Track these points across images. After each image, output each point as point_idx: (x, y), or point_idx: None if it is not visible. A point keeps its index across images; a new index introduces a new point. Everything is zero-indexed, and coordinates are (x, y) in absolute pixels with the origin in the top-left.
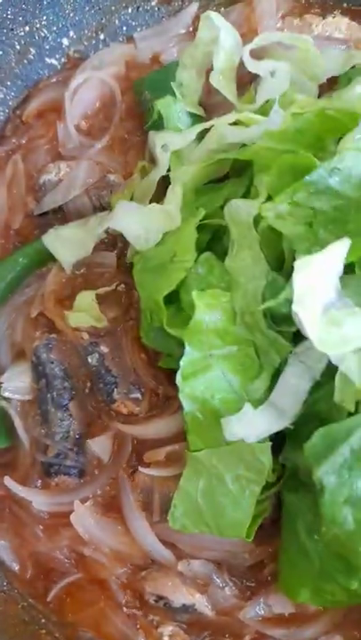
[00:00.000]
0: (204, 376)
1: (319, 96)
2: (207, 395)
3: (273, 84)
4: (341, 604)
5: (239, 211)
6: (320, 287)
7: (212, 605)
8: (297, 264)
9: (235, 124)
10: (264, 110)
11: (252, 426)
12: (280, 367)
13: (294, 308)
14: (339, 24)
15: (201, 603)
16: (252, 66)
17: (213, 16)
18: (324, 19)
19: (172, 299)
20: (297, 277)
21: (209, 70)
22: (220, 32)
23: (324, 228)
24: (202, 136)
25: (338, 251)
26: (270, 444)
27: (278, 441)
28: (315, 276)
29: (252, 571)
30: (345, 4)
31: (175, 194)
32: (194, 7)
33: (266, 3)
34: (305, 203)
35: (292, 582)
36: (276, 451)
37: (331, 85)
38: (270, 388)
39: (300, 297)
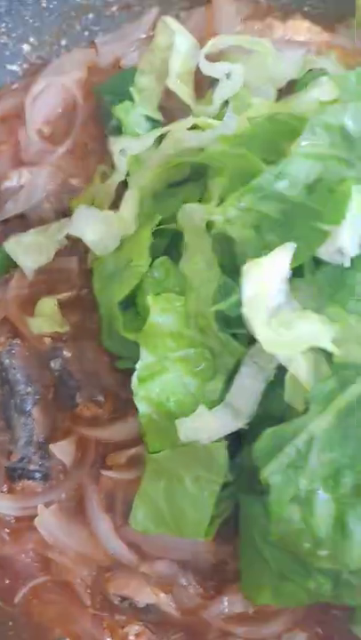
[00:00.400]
0: (160, 379)
1: (279, 99)
2: (162, 397)
3: (228, 86)
4: (302, 603)
5: (192, 215)
6: (268, 290)
7: (177, 605)
8: (245, 268)
9: (193, 128)
10: (222, 115)
11: (206, 427)
12: (235, 369)
13: (243, 310)
14: (299, 28)
15: (165, 602)
16: (207, 68)
17: (169, 21)
18: (284, 22)
19: (131, 303)
20: (245, 280)
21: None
22: (176, 36)
23: (272, 232)
24: (160, 140)
25: (283, 255)
26: (226, 443)
27: (238, 441)
28: (263, 280)
29: (216, 570)
30: (306, 8)
31: (130, 199)
32: (154, 12)
33: (226, 6)
34: (253, 207)
35: (253, 585)
36: (235, 451)
37: (290, 89)
38: (225, 390)
39: (248, 299)
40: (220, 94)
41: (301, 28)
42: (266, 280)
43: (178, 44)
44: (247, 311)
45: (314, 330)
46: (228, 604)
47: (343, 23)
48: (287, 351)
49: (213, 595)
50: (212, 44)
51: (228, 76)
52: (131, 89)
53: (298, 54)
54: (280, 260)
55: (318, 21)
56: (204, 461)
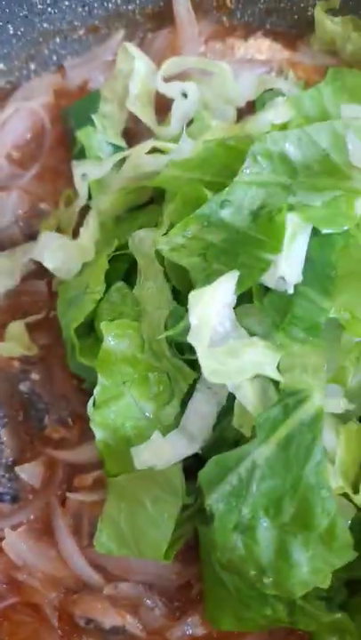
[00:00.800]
0: (116, 404)
1: (240, 119)
2: (118, 422)
3: (184, 105)
4: (263, 628)
5: (142, 241)
6: (213, 318)
7: (143, 626)
8: (190, 296)
9: (153, 151)
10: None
11: (161, 452)
12: (188, 393)
13: (189, 339)
14: (260, 46)
15: (132, 624)
16: (163, 88)
17: (128, 46)
18: (246, 41)
19: (91, 328)
20: (190, 309)
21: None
22: (135, 61)
23: (217, 260)
24: (121, 165)
25: (227, 283)
26: (181, 465)
27: (197, 465)
28: (207, 308)
29: (181, 591)
30: (268, 26)
31: (89, 225)
32: (120, 34)
33: (188, 28)
34: (198, 235)
35: (216, 610)
36: (192, 472)
37: (251, 108)
38: (181, 414)
39: (195, 328)
40: (176, 114)
41: (263, 47)
42: (210, 308)
43: (137, 68)
44: (192, 339)
45: (259, 358)
46: (193, 625)
47: (304, 40)
48: (231, 380)
49: (179, 616)
50: (168, 66)
51: (184, 95)
52: (93, 116)
53: (254, 75)
54: (224, 289)
55: (279, 39)
56: (162, 484)
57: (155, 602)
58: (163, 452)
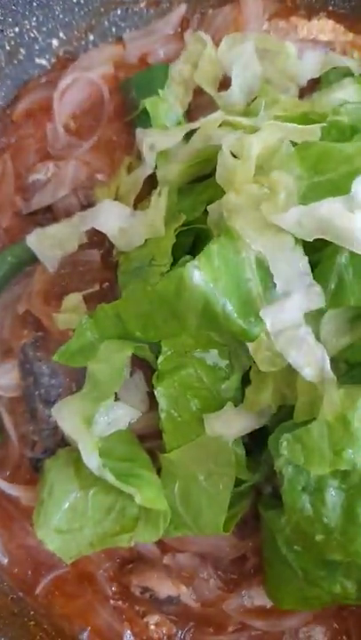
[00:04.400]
0: (179, 374)
1: (301, 97)
2: (181, 392)
3: (246, 75)
4: (325, 606)
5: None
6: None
7: (197, 597)
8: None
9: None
10: (248, 111)
11: (232, 424)
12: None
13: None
14: (323, 27)
15: (186, 594)
16: (224, 55)
17: (200, 34)
18: (309, 21)
19: None
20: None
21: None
22: (206, 47)
23: None
24: (188, 135)
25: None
26: (240, 439)
27: (256, 440)
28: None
29: (235, 564)
30: (330, 7)
31: (161, 202)
32: (182, 8)
33: (253, 5)
34: None
35: (278, 591)
36: (253, 450)
37: (312, 87)
38: (239, 389)
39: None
40: (237, 81)
41: (326, 28)
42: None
43: (208, 53)
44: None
45: None
46: (248, 597)
47: None
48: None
49: (233, 588)
50: (230, 40)
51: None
52: (160, 91)
53: (320, 53)
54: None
55: (342, 21)
56: (216, 457)
57: (209, 574)
58: (233, 422)
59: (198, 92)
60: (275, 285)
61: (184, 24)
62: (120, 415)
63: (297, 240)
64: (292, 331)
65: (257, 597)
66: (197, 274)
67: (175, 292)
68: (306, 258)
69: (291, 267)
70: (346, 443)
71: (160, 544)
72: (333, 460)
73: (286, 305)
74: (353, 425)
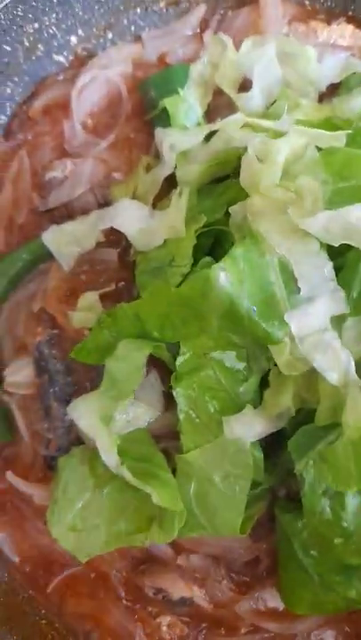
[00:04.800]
0: (198, 375)
1: (320, 101)
2: (200, 394)
3: (267, 77)
4: (340, 611)
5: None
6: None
7: (210, 598)
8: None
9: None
10: (268, 114)
11: (251, 426)
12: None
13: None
14: (343, 31)
15: (199, 596)
16: (243, 58)
17: (221, 36)
18: (329, 25)
19: None
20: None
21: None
22: (226, 50)
23: None
24: (208, 136)
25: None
26: (258, 442)
27: (273, 443)
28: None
29: (249, 566)
30: (350, 12)
31: (181, 202)
32: (201, 9)
33: (272, 8)
34: None
35: (293, 596)
36: (271, 452)
37: (332, 91)
38: (258, 392)
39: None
40: (258, 83)
41: (346, 32)
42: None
43: (228, 56)
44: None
45: None
46: (260, 599)
47: None
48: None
49: (246, 590)
50: (250, 43)
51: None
52: (180, 90)
53: (341, 58)
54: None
55: None
56: (233, 459)
57: (222, 575)
58: (253, 425)
59: (217, 93)
60: (298, 289)
61: (203, 25)
62: (139, 414)
63: (322, 245)
64: (317, 335)
65: (270, 600)
66: (223, 276)
67: (201, 293)
68: (331, 263)
69: (316, 271)
70: None
71: (173, 545)
72: (360, 479)
73: (311, 309)
74: None
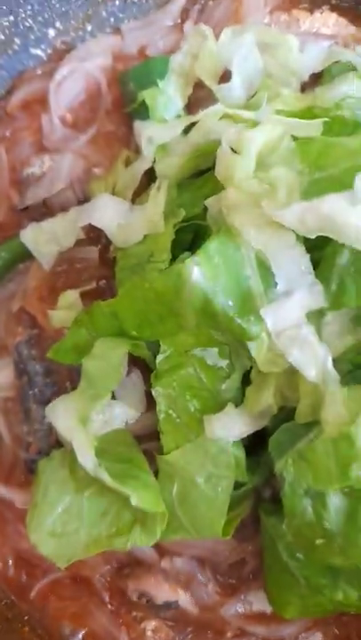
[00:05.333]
0: (178, 373)
1: (302, 91)
2: (179, 392)
3: (247, 67)
4: (327, 614)
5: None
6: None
7: (196, 602)
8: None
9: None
10: (249, 105)
11: (233, 426)
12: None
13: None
14: (326, 20)
15: (184, 599)
16: (224, 48)
17: (203, 27)
18: (311, 14)
19: None
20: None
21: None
22: (207, 41)
23: None
24: (187, 128)
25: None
26: (240, 441)
27: (256, 442)
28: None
29: (234, 568)
30: (333, 1)
31: (160, 196)
32: (182, 0)
33: None
34: None
35: (280, 600)
36: (253, 452)
37: (314, 81)
38: (240, 389)
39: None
40: (237, 74)
41: (329, 21)
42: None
43: (208, 47)
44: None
45: None
46: (246, 602)
47: None
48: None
49: (231, 592)
50: (229, 33)
51: (244, 58)
52: (159, 82)
53: (323, 47)
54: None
55: (346, 14)
56: (215, 459)
57: (207, 578)
58: (235, 424)
59: (198, 85)
60: (275, 284)
61: (183, 15)
62: (117, 414)
63: (298, 237)
64: (293, 330)
65: (256, 602)
66: (197, 271)
67: (174, 289)
68: (308, 256)
69: (292, 265)
70: (351, 459)
71: (157, 547)
72: (340, 477)
73: (287, 304)
74: (358, 441)
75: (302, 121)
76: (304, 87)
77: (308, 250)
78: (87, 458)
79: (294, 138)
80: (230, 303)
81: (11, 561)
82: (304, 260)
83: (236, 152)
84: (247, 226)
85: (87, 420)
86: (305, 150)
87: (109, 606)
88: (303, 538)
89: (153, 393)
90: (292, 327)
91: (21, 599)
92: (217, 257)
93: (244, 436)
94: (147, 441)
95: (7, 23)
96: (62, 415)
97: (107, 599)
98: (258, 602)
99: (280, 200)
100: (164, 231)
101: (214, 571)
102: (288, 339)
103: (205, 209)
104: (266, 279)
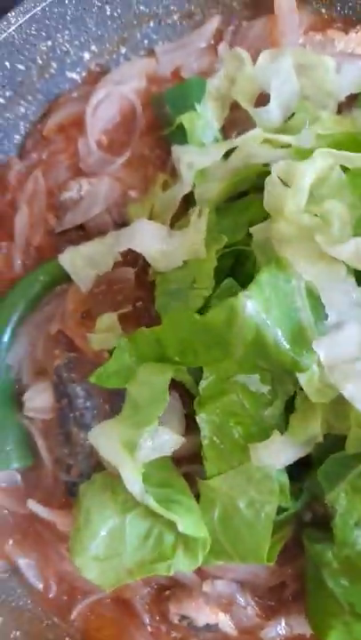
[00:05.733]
0: (222, 400)
1: (338, 112)
2: (224, 419)
3: (284, 91)
4: None
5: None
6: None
7: (235, 624)
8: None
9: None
10: (286, 128)
11: (280, 453)
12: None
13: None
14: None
15: (224, 622)
16: (260, 72)
17: (239, 50)
18: (346, 34)
19: None
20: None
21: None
22: (244, 65)
23: None
24: (226, 153)
25: None
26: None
27: (298, 467)
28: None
29: (274, 591)
30: None
31: (201, 222)
32: (215, 21)
33: (289, 18)
34: None
35: (323, 625)
36: (296, 476)
37: (350, 102)
38: (283, 416)
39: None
40: (275, 97)
41: None
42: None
43: (246, 71)
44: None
45: None
46: (286, 625)
47: None
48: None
49: (271, 615)
50: (267, 56)
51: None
52: (197, 106)
53: (360, 67)
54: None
55: None
56: (257, 482)
57: (247, 601)
58: (281, 452)
59: (233, 107)
60: (326, 316)
61: (217, 37)
62: (165, 441)
63: (349, 270)
64: (348, 364)
65: (296, 626)
66: (250, 304)
67: (226, 322)
68: (359, 288)
69: (343, 297)
70: None
71: (198, 571)
72: None
73: (340, 337)
74: None
75: (352, 154)
76: (340, 108)
77: (359, 282)
78: (135, 484)
79: (343, 168)
80: (281, 335)
81: (52, 582)
82: (356, 293)
83: (284, 183)
84: (298, 258)
85: (134, 447)
86: (356, 183)
87: (149, 628)
88: (352, 566)
89: (197, 420)
90: (346, 361)
91: (63, 620)
92: (268, 289)
93: (289, 463)
94: (186, 464)
95: (45, 48)
96: (107, 441)
97: (147, 620)
98: (297, 625)
99: (333, 234)
100: (206, 257)
101: (254, 593)
102: (342, 373)
103: (248, 235)
104: (316, 311)
